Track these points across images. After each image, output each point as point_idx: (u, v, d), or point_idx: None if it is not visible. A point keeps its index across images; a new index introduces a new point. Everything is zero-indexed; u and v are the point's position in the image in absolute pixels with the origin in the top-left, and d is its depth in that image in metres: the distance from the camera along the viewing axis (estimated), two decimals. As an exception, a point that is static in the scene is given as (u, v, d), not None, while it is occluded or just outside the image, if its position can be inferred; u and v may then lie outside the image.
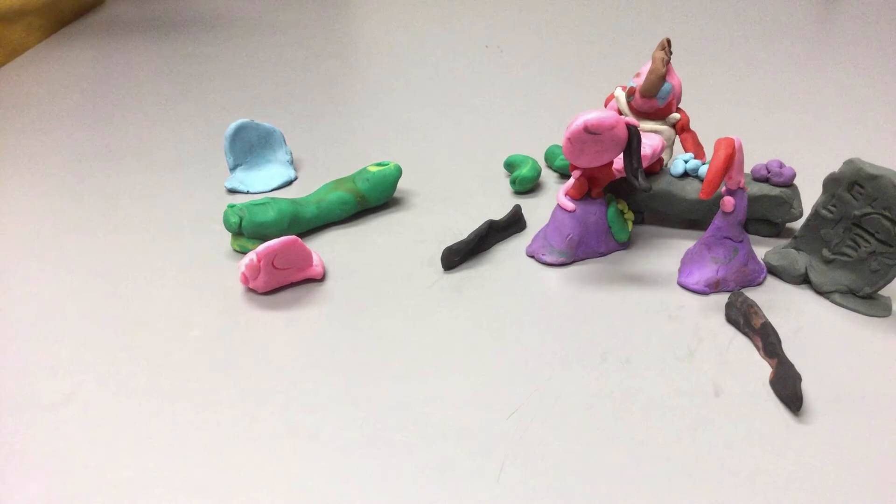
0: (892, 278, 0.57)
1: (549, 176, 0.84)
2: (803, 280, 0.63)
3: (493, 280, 0.65)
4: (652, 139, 0.69)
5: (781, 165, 0.68)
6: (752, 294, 0.62)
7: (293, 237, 0.61)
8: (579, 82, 1.17)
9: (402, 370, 0.55)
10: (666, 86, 0.73)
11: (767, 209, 0.68)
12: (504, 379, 0.54)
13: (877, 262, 0.57)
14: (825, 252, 0.61)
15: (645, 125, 0.75)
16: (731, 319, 0.59)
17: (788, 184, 0.68)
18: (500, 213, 0.76)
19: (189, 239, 0.72)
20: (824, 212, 0.60)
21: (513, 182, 0.79)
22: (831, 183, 0.59)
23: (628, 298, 0.62)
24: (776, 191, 0.68)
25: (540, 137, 0.94)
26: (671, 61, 0.75)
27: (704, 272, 0.64)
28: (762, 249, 0.68)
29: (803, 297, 0.62)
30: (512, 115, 1.04)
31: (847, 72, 1.21)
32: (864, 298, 0.59)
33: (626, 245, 0.69)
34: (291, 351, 0.57)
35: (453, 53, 1.31)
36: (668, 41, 0.73)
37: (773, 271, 0.65)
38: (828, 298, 0.61)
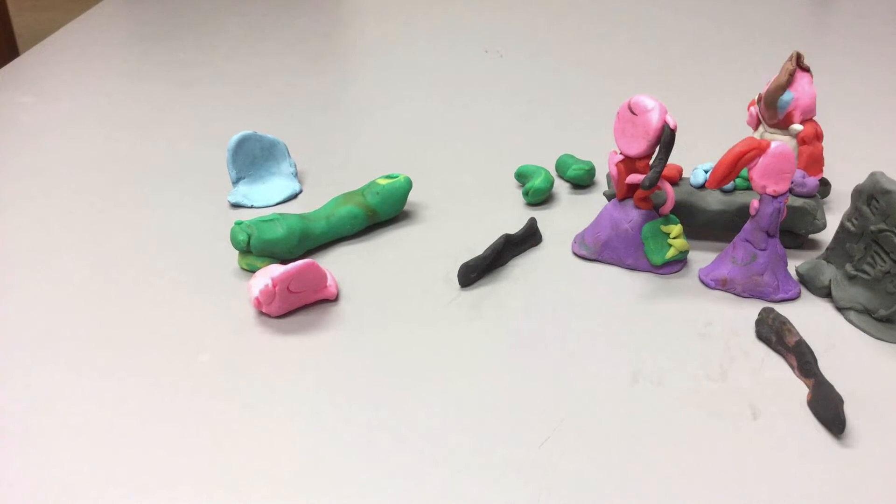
0: None
1: (561, 186, 0.82)
2: (827, 293, 0.61)
3: (512, 297, 0.63)
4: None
5: (804, 176, 0.67)
6: (781, 308, 0.61)
7: (310, 261, 0.59)
8: (587, 88, 1.15)
9: (423, 396, 0.52)
10: (786, 96, 0.72)
11: (790, 220, 0.67)
12: (532, 403, 0.52)
13: (892, 283, 0.56)
14: (848, 267, 0.59)
15: (770, 135, 0.76)
16: (762, 336, 0.57)
17: (812, 194, 0.67)
18: (513, 225, 0.74)
19: (193, 257, 0.69)
20: (848, 224, 0.59)
21: (525, 194, 0.77)
22: (855, 194, 0.58)
23: (655, 313, 0.61)
24: (799, 201, 0.66)
25: (550, 146, 0.92)
26: (811, 74, 0.74)
27: (719, 268, 0.63)
28: (796, 261, 0.67)
29: (833, 313, 0.60)
30: (520, 123, 1.02)
31: None
32: (879, 321, 0.57)
33: (659, 268, 0.66)
34: (307, 377, 0.54)
35: (456, 60, 1.29)
36: (800, 54, 0.73)
37: (802, 281, 0.63)
38: (844, 315, 0.59)
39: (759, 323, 0.57)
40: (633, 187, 0.65)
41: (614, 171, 0.65)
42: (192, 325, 0.60)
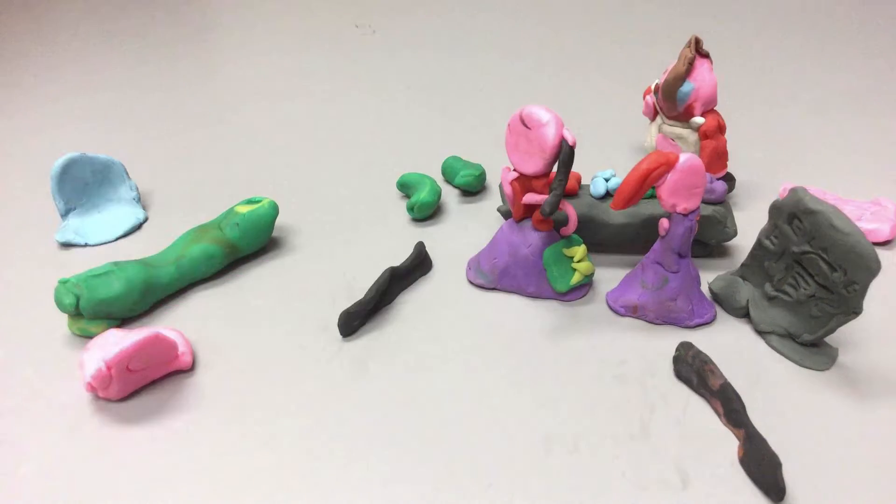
0: (834, 329, 0.50)
1: (450, 195, 0.74)
2: (745, 314, 0.56)
3: (403, 343, 0.55)
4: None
5: (711, 180, 0.61)
6: (697, 333, 0.55)
7: (153, 334, 0.48)
8: (475, 72, 1.06)
9: (303, 488, 0.43)
10: (685, 87, 0.66)
11: (700, 231, 0.61)
12: (435, 483, 0.44)
13: (817, 307, 0.51)
14: (768, 287, 0.54)
15: (669, 128, 0.70)
16: (681, 376, 0.51)
17: (720, 200, 0.61)
18: (398, 246, 0.65)
19: (10, 324, 0.57)
20: (767, 242, 0.53)
21: (410, 209, 0.68)
22: (774, 211, 0.52)
23: (565, 353, 0.54)
24: (707, 209, 0.60)
25: (436, 145, 0.83)
26: (711, 61, 0.67)
27: (629, 293, 0.57)
28: (711, 274, 0.61)
29: (753, 337, 0.55)
30: (400, 117, 0.92)
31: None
32: (803, 346, 0.53)
33: (564, 295, 0.59)
34: (157, 482, 0.44)
35: (324, 44, 1.16)
36: (698, 38, 0.66)
37: (717, 299, 0.58)
38: (765, 339, 0.55)
39: (678, 361, 0.51)
40: (530, 207, 0.58)
41: (509, 189, 0.58)
42: (9, 422, 0.48)
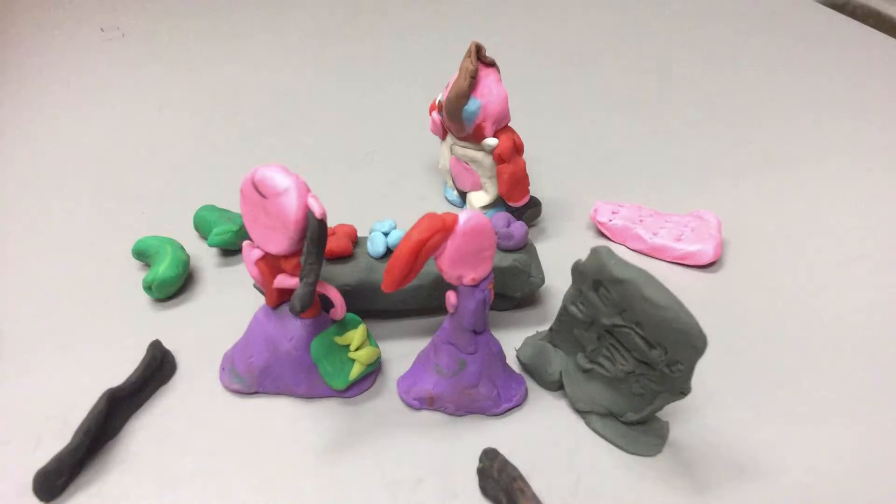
0: (661, 407, 0.42)
1: (204, 258, 0.59)
2: (560, 386, 0.47)
3: (135, 495, 0.41)
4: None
5: (509, 222, 0.51)
6: (507, 419, 0.45)
7: None
8: (243, 92, 0.91)
9: None
10: (470, 105, 0.55)
11: (500, 283, 0.51)
12: None
13: (639, 384, 0.42)
14: (581, 358, 0.45)
15: (461, 150, 0.60)
16: (488, 494, 0.41)
17: (521, 245, 0.51)
18: (135, 343, 0.50)
19: None
20: (574, 309, 0.44)
21: (148, 288, 0.53)
22: (577, 276, 0.43)
23: (350, 475, 0.42)
24: (508, 259, 0.50)
25: (190, 195, 0.67)
26: (497, 70, 0.56)
27: (423, 380, 0.46)
28: (520, 332, 0.51)
29: (572, 416, 0.46)
30: (144, 158, 0.75)
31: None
32: (629, 425, 0.44)
33: (345, 392, 0.47)
34: None
35: (63, 54, 0.96)
36: (479, 46, 0.55)
37: (526, 370, 0.49)
38: (585, 420, 0.45)
39: (483, 475, 0.41)
40: (287, 290, 0.45)
41: (254, 271, 0.44)
42: None
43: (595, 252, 0.40)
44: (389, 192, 0.67)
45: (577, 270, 0.42)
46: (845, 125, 0.80)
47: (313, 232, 0.40)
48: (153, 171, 0.70)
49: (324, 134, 0.76)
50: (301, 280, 0.41)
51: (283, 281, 0.43)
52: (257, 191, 0.41)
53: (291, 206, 0.40)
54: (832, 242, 0.61)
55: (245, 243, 0.44)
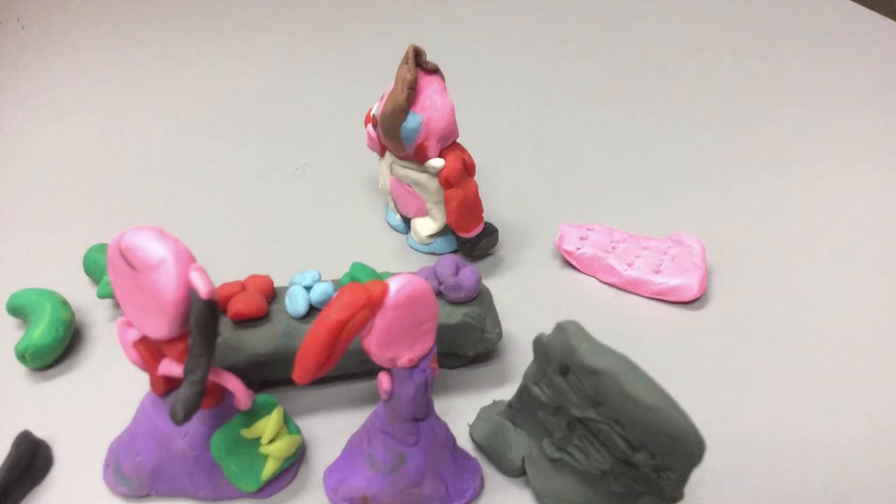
0: None
1: (95, 310, 0.49)
2: (522, 473, 0.39)
3: None
4: None
5: (457, 269, 0.42)
6: None
7: None
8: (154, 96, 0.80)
9: None
10: (410, 121, 0.46)
11: (449, 342, 0.42)
12: None
13: (618, 482, 0.34)
14: (547, 445, 0.37)
15: (402, 171, 0.51)
16: None
17: (472, 296, 0.42)
18: (3, 430, 0.41)
19: None
20: (537, 390, 0.35)
21: (21, 357, 0.43)
22: (541, 355, 0.34)
23: None
24: (457, 314, 0.42)
25: (76, 231, 0.57)
26: (442, 77, 0.48)
27: (354, 476, 0.37)
28: (476, 397, 0.43)
29: (533, 512, 0.38)
30: (16, 177, 0.64)
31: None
32: None
33: (259, 493, 0.38)
34: None
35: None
36: (418, 50, 0.45)
37: (482, 451, 0.40)
38: None
39: None
40: (176, 378, 0.36)
41: (133, 355, 0.35)
42: None
43: (561, 329, 0.32)
44: (321, 216, 0.58)
45: (541, 350, 0.34)
46: (835, 121, 0.72)
47: (199, 317, 0.31)
48: (40, 200, 0.59)
49: (245, 143, 0.67)
50: (185, 377, 0.31)
51: (170, 368, 0.34)
52: (126, 261, 0.31)
53: (169, 283, 0.30)
54: (831, 263, 0.54)
55: (119, 321, 0.35)
